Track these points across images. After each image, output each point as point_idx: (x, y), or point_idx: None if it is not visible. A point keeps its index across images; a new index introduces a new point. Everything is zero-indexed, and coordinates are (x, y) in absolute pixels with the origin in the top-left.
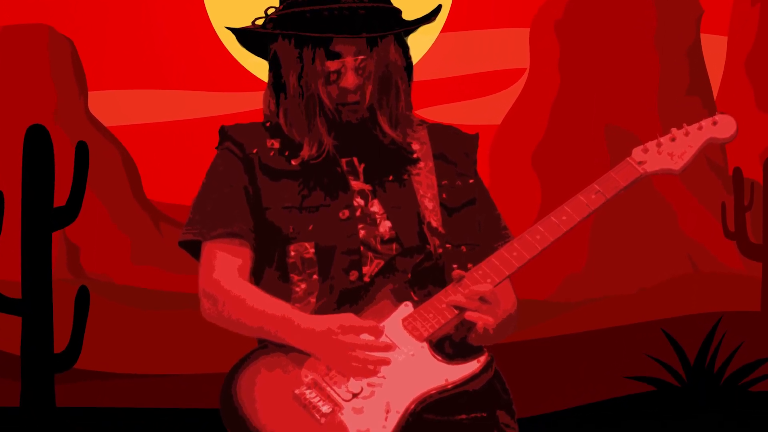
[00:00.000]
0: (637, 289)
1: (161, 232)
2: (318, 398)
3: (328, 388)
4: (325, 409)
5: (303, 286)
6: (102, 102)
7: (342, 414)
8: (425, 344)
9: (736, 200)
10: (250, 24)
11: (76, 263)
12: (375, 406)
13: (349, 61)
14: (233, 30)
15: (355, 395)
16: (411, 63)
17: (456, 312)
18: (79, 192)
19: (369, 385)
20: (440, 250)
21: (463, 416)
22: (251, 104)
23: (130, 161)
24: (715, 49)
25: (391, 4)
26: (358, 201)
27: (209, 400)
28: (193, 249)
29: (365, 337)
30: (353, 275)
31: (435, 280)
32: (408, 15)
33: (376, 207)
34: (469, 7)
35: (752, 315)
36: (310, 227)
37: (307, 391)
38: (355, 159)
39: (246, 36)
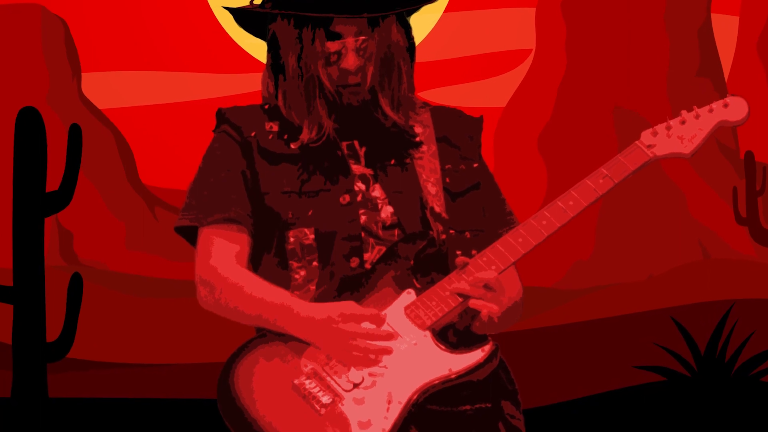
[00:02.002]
0: (645, 276)
1: (157, 218)
2: (318, 388)
3: (328, 378)
4: (325, 399)
5: (302, 273)
6: (96, 84)
7: (342, 404)
8: (428, 333)
9: (748, 185)
10: (248, 3)
11: (69, 249)
12: (376, 397)
13: (350, 41)
14: (231, 9)
15: (355, 385)
16: (413, 44)
17: (460, 300)
18: (72, 176)
19: (370, 374)
20: (443, 236)
21: (467, 407)
22: (249, 86)
23: (125, 145)
24: (726, 30)
25: None
26: (359, 185)
27: (206, 390)
28: (190, 235)
29: (366, 325)
30: (354, 262)
31: (438, 266)
32: None
33: (377, 192)
34: None
35: (764, 303)
36: (310, 212)
37: (307, 381)
38: (356, 142)
39: (244, 16)
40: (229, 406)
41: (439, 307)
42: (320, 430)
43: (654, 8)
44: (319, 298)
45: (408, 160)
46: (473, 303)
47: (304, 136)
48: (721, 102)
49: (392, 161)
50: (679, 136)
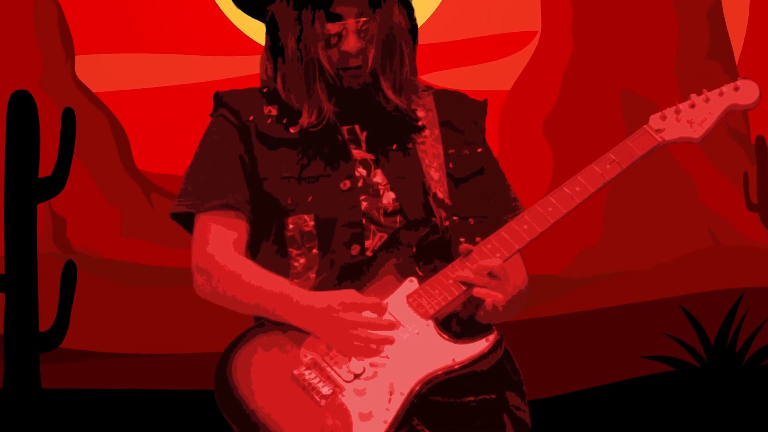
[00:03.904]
0: (654, 263)
1: (152, 204)
2: (318, 379)
3: (329, 369)
4: (326, 390)
5: (302, 260)
6: (90, 66)
7: (343, 396)
8: (431, 322)
9: (759, 170)
10: None
11: (62, 236)
12: (378, 388)
13: (351, 23)
14: None
15: (356, 376)
16: (416, 25)
17: (463, 288)
18: (66, 161)
19: (371, 365)
20: (447, 223)
21: (471, 398)
22: (248, 69)
23: (120, 129)
24: (737, 11)
25: None
26: (360, 171)
27: (203, 381)
28: (186, 221)
29: (368, 314)
30: (355, 249)
31: (441, 254)
32: None
33: (379, 177)
34: None
35: None
36: (310, 198)
37: (307, 372)
38: (356, 127)
39: None
40: (227, 397)
41: (442, 296)
42: (320, 421)
43: None
44: (319, 287)
45: (410, 145)
46: (477, 291)
47: (304, 120)
48: (731, 85)
49: (394, 146)
50: (689, 120)
